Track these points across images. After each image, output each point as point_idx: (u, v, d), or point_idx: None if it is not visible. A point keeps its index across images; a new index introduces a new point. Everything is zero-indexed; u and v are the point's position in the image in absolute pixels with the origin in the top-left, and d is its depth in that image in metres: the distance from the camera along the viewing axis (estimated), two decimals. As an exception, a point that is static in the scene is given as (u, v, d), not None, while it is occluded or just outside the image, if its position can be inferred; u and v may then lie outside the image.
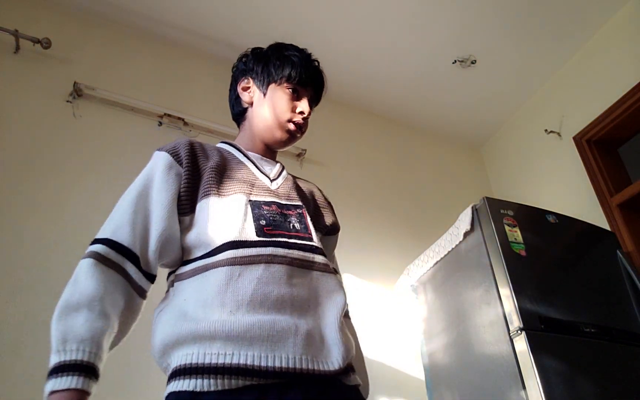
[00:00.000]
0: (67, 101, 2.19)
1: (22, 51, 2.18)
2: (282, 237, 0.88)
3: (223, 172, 0.95)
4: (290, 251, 0.86)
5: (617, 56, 2.60)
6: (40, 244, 1.85)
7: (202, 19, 2.57)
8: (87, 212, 1.99)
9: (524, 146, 3.12)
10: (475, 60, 2.83)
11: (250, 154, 1.05)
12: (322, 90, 1.12)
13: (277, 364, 0.73)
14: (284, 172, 1.07)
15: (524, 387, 1.57)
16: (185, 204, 0.90)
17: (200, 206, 0.89)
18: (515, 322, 1.67)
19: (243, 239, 0.84)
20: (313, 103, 1.10)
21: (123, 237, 0.84)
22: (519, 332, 1.64)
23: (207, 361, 0.72)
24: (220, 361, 0.72)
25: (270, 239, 0.86)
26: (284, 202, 0.96)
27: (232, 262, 0.81)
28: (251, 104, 1.10)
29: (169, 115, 2.40)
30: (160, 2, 2.48)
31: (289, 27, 2.62)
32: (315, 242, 0.93)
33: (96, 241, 0.85)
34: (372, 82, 2.96)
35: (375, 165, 2.95)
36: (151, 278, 0.88)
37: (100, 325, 0.75)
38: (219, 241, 0.85)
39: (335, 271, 0.96)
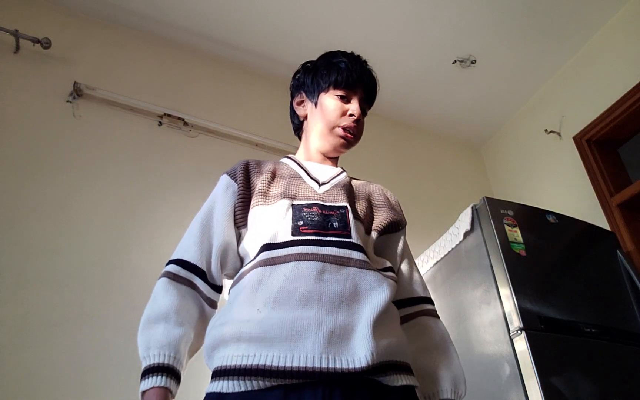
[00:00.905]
0: (67, 101, 2.19)
1: (22, 51, 2.18)
2: (316, 235, 0.88)
3: (272, 181, 1.01)
4: (324, 248, 0.86)
5: (617, 56, 2.60)
6: (40, 244, 1.86)
7: (202, 19, 2.57)
8: (87, 212, 1.99)
9: (524, 146, 3.12)
10: (475, 60, 2.83)
11: (305, 163, 1.08)
12: (374, 90, 1.14)
13: (295, 364, 0.72)
14: (340, 177, 1.06)
15: (524, 387, 1.57)
16: (240, 218, 0.97)
17: (251, 217, 0.96)
18: (515, 322, 1.67)
19: (276, 241, 0.89)
20: (365, 104, 1.12)
21: (190, 255, 0.94)
22: (519, 332, 1.64)
23: (231, 363, 0.76)
24: (243, 363, 0.74)
25: (303, 238, 0.87)
26: (327, 204, 0.96)
27: (265, 263, 0.86)
28: (306, 117, 1.13)
29: (169, 115, 2.40)
30: (161, 2, 2.48)
31: (290, 27, 2.62)
32: (354, 239, 0.90)
33: (170, 262, 0.95)
34: (372, 82, 2.96)
35: (375, 165, 2.95)
36: (218, 289, 0.96)
37: (177, 333, 0.84)
38: (258, 246, 0.91)
39: (373, 268, 0.90)
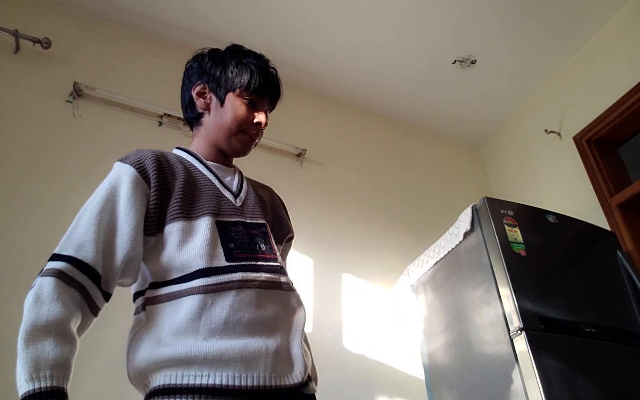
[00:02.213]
0: (67, 101, 2.19)
1: (22, 51, 2.18)
2: (250, 260, 0.91)
3: (190, 190, 0.95)
4: (259, 274, 0.90)
5: (617, 56, 2.60)
6: (40, 244, 1.85)
7: (202, 19, 2.57)
8: (87, 212, 1.99)
9: (524, 146, 3.12)
10: (475, 60, 2.83)
11: (210, 164, 1.05)
12: (278, 99, 1.13)
13: (250, 383, 0.79)
14: (245, 184, 1.08)
15: (524, 387, 1.57)
16: (152, 225, 0.90)
17: (169, 229, 0.89)
18: (515, 322, 1.67)
19: (214, 266, 0.87)
20: (269, 110, 1.12)
21: (87, 255, 0.83)
22: (519, 332, 1.64)
23: (185, 382, 0.78)
24: (198, 382, 0.77)
25: (240, 264, 0.90)
26: (249, 221, 0.98)
27: (205, 290, 0.84)
28: (207, 109, 1.08)
29: (169, 115, 2.40)
30: (160, 2, 2.48)
31: (290, 27, 2.62)
32: (280, 262, 0.97)
33: (58, 257, 0.83)
34: (372, 82, 2.96)
35: (375, 165, 2.95)
36: (107, 297, 0.87)
37: (69, 348, 0.77)
38: (190, 268, 0.87)
39: (294, 288, 1.00)
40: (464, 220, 2.01)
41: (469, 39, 2.72)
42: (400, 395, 2.22)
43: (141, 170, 0.92)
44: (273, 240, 1.00)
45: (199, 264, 0.86)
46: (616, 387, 1.67)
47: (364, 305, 2.39)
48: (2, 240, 1.80)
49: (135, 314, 0.93)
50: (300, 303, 0.97)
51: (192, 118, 1.12)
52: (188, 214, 0.91)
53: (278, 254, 0.98)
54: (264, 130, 1.08)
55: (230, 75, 1.06)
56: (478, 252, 1.92)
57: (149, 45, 2.60)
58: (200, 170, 1.02)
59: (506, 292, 1.74)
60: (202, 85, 1.09)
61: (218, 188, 1.00)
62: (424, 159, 3.21)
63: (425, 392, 2.13)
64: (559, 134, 2.85)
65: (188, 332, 0.81)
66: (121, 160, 0.94)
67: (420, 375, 2.22)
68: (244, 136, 1.05)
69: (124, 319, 1.77)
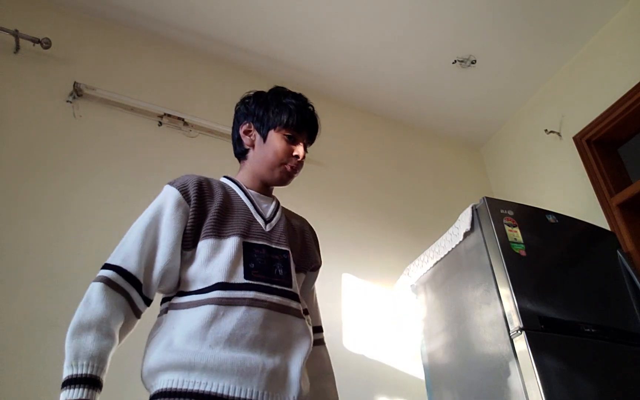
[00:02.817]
0: (67, 101, 2.19)
1: (22, 51, 2.18)
2: (266, 281, 1.00)
3: (225, 212, 1.06)
4: (271, 296, 0.99)
5: (617, 56, 2.60)
6: (40, 244, 1.86)
7: (202, 19, 2.57)
8: (87, 212, 1.99)
9: (524, 146, 3.13)
10: (475, 60, 2.83)
11: (250, 191, 1.16)
12: (316, 134, 1.24)
13: (243, 396, 0.87)
14: (279, 212, 1.18)
15: (524, 387, 1.57)
16: (189, 240, 1.01)
17: (202, 245, 1.00)
18: (515, 322, 1.67)
19: (231, 282, 0.96)
20: (308, 144, 1.23)
21: (131, 266, 0.96)
22: (519, 332, 1.64)
23: (185, 387, 0.86)
24: (196, 388, 0.86)
25: (255, 283, 0.98)
26: (273, 246, 1.08)
27: (219, 301, 0.94)
28: (252, 146, 1.21)
29: (169, 115, 2.40)
30: (161, 2, 2.48)
31: (290, 27, 2.62)
32: (294, 288, 1.05)
33: (108, 266, 0.96)
34: (372, 82, 2.97)
35: (375, 165, 2.95)
36: (148, 302, 0.99)
37: (106, 343, 0.88)
38: (211, 280, 0.97)
39: (306, 314, 1.10)
40: (464, 220, 2.01)
41: (469, 39, 2.72)
42: (400, 395, 2.22)
43: (184, 192, 1.04)
44: (293, 268, 1.08)
45: (219, 277, 0.96)
46: (616, 387, 1.67)
47: (364, 305, 2.39)
48: (2, 240, 1.80)
49: (158, 315, 1.04)
50: (307, 331, 1.04)
51: (240, 153, 1.25)
52: (219, 233, 1.02)
53: (294, 280, 1.06)
54: (303, 162, 1.19)
55: (271, 114, 1.17)
56: (478, 252, 1.92)
57: (149, 46, 2.60)
58: (239, 196, 1.13)
59: (506, 292, 1.74)
60: (247, 125, 1.22)
61: (252, 212, 1.11)
62: (424, 159, 3.21)
63: (425, 392, 2.13)
64: (559, 134, 2.85)
65: (197, 338, 0.90)
66: (170, 183, 1.07)
67: (420, 375, 2.22)
68: (284, 167, 1.16)
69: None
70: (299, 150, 1.16)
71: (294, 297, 1.03)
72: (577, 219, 2.14)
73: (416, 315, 2.29)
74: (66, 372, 0.84)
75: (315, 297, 1.28)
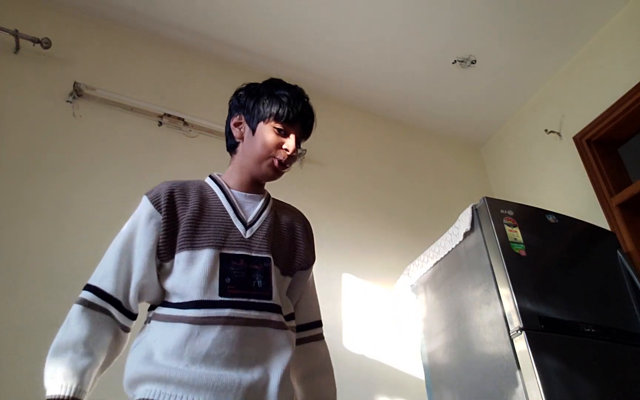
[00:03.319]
0: (67, 101, 2.19)
1: (22, 51, 2.18)
2: (242, 297, 0.97)
3: (199, 220, 1.02)
4: (248, 312, 0.96)
5: (617, 56, 2.60)
6: (40, 244, 1.86)
7: (202, 19, 2.57)
8: (87, 212, 1.99)
9: (524, 146, 3.12)
10: (475, 60, 2.83)
11: (234, 192, 1.11)
12: (311, 127, 1.17)
13: None
14: (265, 212, 1.12)
15: (524, 387, 1.57)
16: (164, 252, 0.99)
17: (178, 257, 0.99)
18: (515, 322, 1.67)
19: (206, 299, 0.94)
20: (302, 138, 1.16)
21: (107, 286, 0.97)
22: (519, 332, 1.64)
23: (161, 399, 0.87)
24: None
25: (231, 300, 0.96)
26: (253, 254, 1.03)
27: (194, 321, 0.92)
28: (242, 139, 1.15)
29: (169, 115, 2.40)
30: (161, 2, 2.48)
31: (290, 27, 2.62)
32: (274, 299, 1.01)
33: (86, 287, 0.98)
34: (372, 82, 2.97)
35: (375, 165, 2.95)
36: (134, 316, 1.01)
37: (83, 363, 0.90)
38: (187, 296, 0.95)
39: (290, 319, 1.08)
40: (464, 220, 2.01)
41: (469, 39, 2.72)
42: (400, 395, 2.22)
43: (156, 203, 1.02)
44: (274, 276, 1.03)
45: (194, 295, 0.95)
46: (616, 387, 1.67)
47: (364, 305, 2.39)
48: (2, 240, 1.80)
49: (145, 322, 1.04)
50: (289, 342, 1.01)
51: (231, 147, 1.19)
52: (192, 244, 0.99)
53: (275, 291, 1.02)
54: (296, 157, 1.13)
55: (262, 106, 1.12)
56: (478, 252, 1.92)
57: (149, 46, 2.60)
58: (218, 199, 1.08)
59: (506, 292, 1.74)
60: (238, 117, 1.16)
61: (231, 219, 1.05)
62: (424, 159, 3.21)
63: (425, 392, 2.13)
64: (559, 134, 2.85)
65: (174, 355, 0.90)
66: (146, 194, 1.05)
67: (420, 375, 2.22)
68: (272, 160, 1.09)
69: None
70: (289, 143, 1.10)
71: (274, 309, 1.00)
72: (577, 219, 2.14)
73: (416, 315, 2.29)
74: (47, 393, 0.87)
75: (313, 291, 1.24)
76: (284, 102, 1.11)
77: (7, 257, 1.77)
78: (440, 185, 3.13)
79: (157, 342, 0.94)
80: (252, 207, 1.11)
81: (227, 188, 1.11)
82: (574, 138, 2.71)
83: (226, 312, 0.94)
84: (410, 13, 2.57)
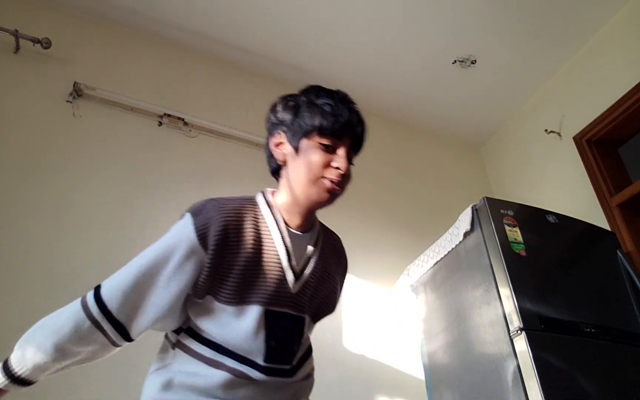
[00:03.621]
0: (67, 101, 2.19)
1: (22, 51, 2.18)
2: (284, 363, 0.92)
3: (251, 272, 0.89)
4: (284, 379, 0.91)
5: (617, 56, 2.60)
6: (40, 244, 1.86)
7: (202, 19, 2.57)
8: (87, 212, 1.99)
9: (524, 146, 3.12)
10: (475, 60, 2.83)
11: (289, 231, 0.97)
12: (362, 138, 1.01)
13: None
14: (314, 258, 1.00)
15: (524, 387, 1.57)
16: (201, 292, 0.89)
17: (220, 306, 0.89)
18: (515, 322, 1.67)
19: (250, 358, 0.88)
20: (353, 153, 1.00)
21: (112, 304, 0.85)
22: (519, 332, 1.64)
23: None
24: None
25: (273, 367, 0.90)
26: (294, 313, 0.94)
27: (231, 371, 0.86)
28: (285, 161, 0.99)
29: (169, 115, 2.40)
30: (161, 2, 2.48)
31: (290, 27, 2.62)
32: (299, 355, 0.97)
33: (96, 292, 0.87)
34: (372, 82, 2.96)
35: (375, 165, 2.95)
36: (129, 340, 0.90)
37: (49, 359, 0.84)
38: (227, 344, 0.88)
39: (310, 374, 1.02)
40: (464, 220, 2.00)
41: (469, 39, 2.72)
42: (400, 395, 2.22)
43: (202, 237, 0.86)
44: (305, 334, 0.99)
45: (237, 349, 0.88)
46: (616, 387, 1.67)
47: (364, 305, 2.39)
48: (2, 240, 1.80)
49: (166, 341, 0.96)
50: (307, 389, 0.99)
51: (274, 171, 1.04)
52: (241, 298, 0.88)
53: (302, 350, 0.98)
54: (350, 176, 0.97)
55: (302, 120, 0.95)
56: (478, 252, 1.92)
57: (149, 46, 2.60)
58: (273, 243, 0.93)
59: (506, 292, 1.74)
60: (278, 136, 1.00)
61: (283, 270, 0.93)
62: (424, 159, 3.21)
63: (425, 392, 2.13)
64: (559, 134, 2.85)
65: (194, 394, 0.85)
66: (191, 213, 0.89)
67: (420, 375, 2.22)
68: (322, 182, 0.93)
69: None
70: (338, 160, 0.93)
71: (301, 367, 0.97)
72: (577, 219, 2.14)
73: (416, 315, 2.29)
74: (10, 356, 0.86)
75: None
76: (327, 112, 0.94)
77: (7, 257, 1.77)
78: (440, 185, 3.13)
79: (182, 375, 0.87)
80: (304, 250, 0.98)
81: (282, 225, 0.96)
82: (574, 138, 2.72)
83: (265, 377, 0.88)
84: (410, 13, 2.57)
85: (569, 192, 2.72)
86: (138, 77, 2.46)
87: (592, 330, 1.76)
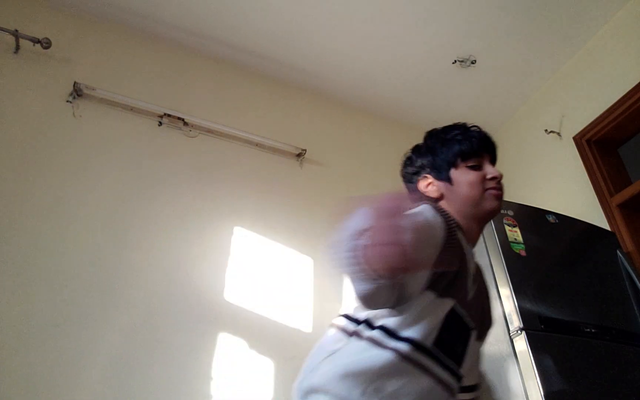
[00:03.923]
0: (67, 101, 2.19)
1: (22, 51, 2.18)
2: (449, 356, 0.91)
3: (460, 276, 0.95)
4: (444, 372, 0.89)
5: (617, 56, 2.59)
6: (40, 244, 1.86)
7: (202, 19, 2.57)
8: (87, 212, 1.99)
9: (524, 146, 3.12)
10: (475, 60, 2.83)
11: (468, 249, 1.03)
12: (496, 150, 1.13)
13: None
14: (478, 274, 1.08)
15: (524, 387, 1.57)
16: (427, 281, 0.89)
17: (422, 299, 0.89)
18: (515, 322, 1.67)
19: (423, 344, 0.87)
20: (493, 163, 1.11)
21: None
22: (519, 332, 1.64)
23: None
24: None
25: (439, 353, 0.89)
26: (465, 319, 0.95)
27: (401, 356, 0.85)
28: (441, 196, 1.08)
29: (169, 115, 2.40)
30: (161, 2, 2.48)
31: (290, 27, 2.62)
32: (464, 371, 0.95)
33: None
34: (372, 82, 2.96)
35: (375, 166, 2.95)
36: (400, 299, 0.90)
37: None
38: (407, 332, 0.87)
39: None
40: (464, 220, 2.00)
41: (469, 39, 2.72)
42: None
43: (449, 230, 0.92)
44: (469, 349, 0.97)
45: (415, 335, 0.87)
46: (616, 387, 1.67)
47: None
48: (2, 240, 1.80)
49: (343, 330, 0.96)
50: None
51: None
52: (445, 292, 0.91)
53: (468, 362, 0.96)
54: (502, 183, 1.07)
55: (443, 156, 1.08)
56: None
57: (149, 46, 2.60)
58: (465, 256, 1.00)
59: (506, 292, 1.74)
60: (423, 177, 1.11)
61: (469, 272, 0.99)
62: (424, 159, 3.20)
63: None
64: (559, 134, 2.85)
65: (360, 380, 0.83)
66: (433, 209, 0.93)
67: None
68: (489, 193, 1.04)
69: (124, 318, 1.78)
70: (489, 170, 1.06)
71: (460, 380, 0.94)
72: (577, 219, 2.14)
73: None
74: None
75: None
76: (462, 140, 1.07)
77: (7, 256, 1.77)
78: (440, 185, 3.12)
79: (356, 362, 0.86)
80: (473, 262, 1.04)
81: (468, 244, 1.04)
82: (574, 138, 2.71)
83: (436, 369, 0.87)
84: (410, 13, 2.57)
85: (569, 192, 2.71)
86: (138, 77, 2.46)
87: (592, 330, 1.76)
